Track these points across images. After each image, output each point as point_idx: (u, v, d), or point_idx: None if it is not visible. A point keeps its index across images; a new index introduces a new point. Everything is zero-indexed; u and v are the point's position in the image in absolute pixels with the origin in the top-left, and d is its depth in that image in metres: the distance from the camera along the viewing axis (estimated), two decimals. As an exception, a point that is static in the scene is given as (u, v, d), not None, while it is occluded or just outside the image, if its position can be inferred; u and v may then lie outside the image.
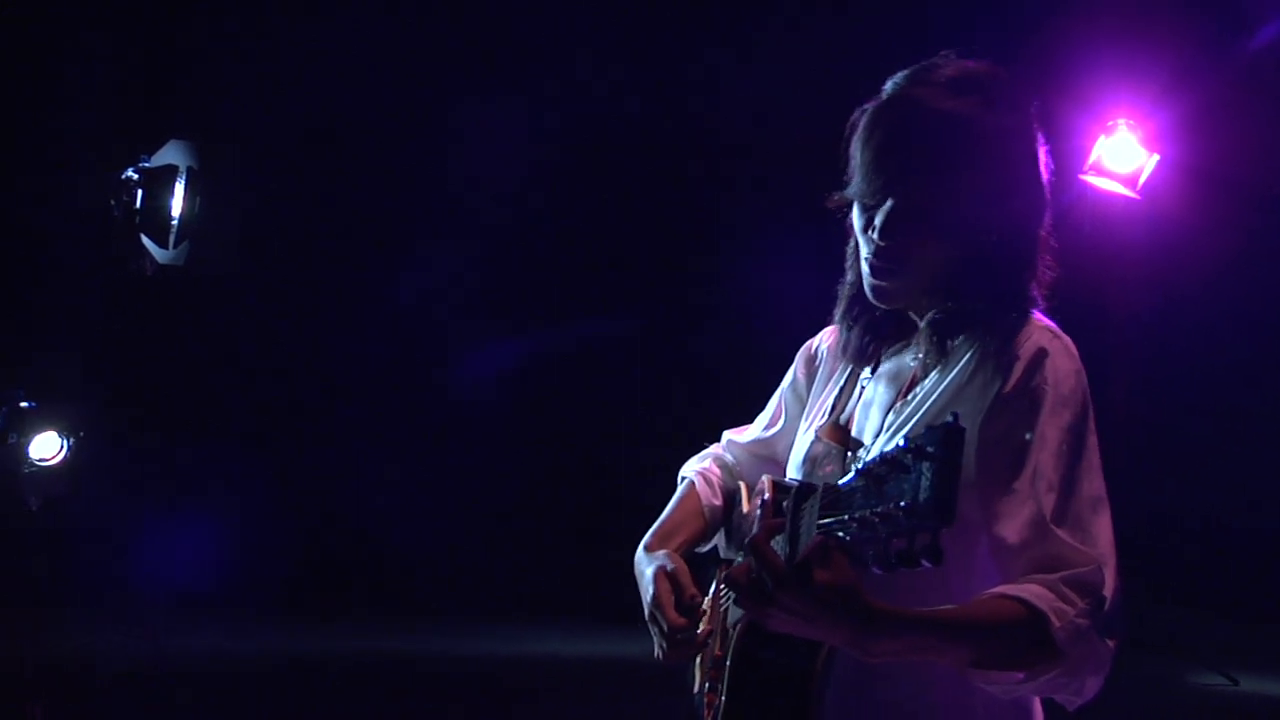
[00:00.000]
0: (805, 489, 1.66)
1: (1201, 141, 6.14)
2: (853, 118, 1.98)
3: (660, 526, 2.31)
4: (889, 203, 1.89)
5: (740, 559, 2.22)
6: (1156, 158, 6.23)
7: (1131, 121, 6.26)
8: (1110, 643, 1.74)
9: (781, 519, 1.71)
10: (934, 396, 1.90)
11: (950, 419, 1.38)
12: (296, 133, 7.91)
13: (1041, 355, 1.84)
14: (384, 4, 7.81)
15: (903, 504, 1.39)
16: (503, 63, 7.86)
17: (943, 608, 1.73)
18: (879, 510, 1.43)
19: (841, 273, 2.11)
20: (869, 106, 1.96)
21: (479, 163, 8.02)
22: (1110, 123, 6.29)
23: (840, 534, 1.52)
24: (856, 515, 1.48)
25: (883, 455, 1.45)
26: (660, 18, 7.76)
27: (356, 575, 8.34)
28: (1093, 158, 6.37)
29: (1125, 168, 6.30)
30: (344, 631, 7.74)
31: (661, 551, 2.24)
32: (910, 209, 1.88)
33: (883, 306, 1.99)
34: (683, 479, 2.42)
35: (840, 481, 1.55)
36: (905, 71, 1.96)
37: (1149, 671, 6.52)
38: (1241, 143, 6.10)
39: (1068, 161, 6.49)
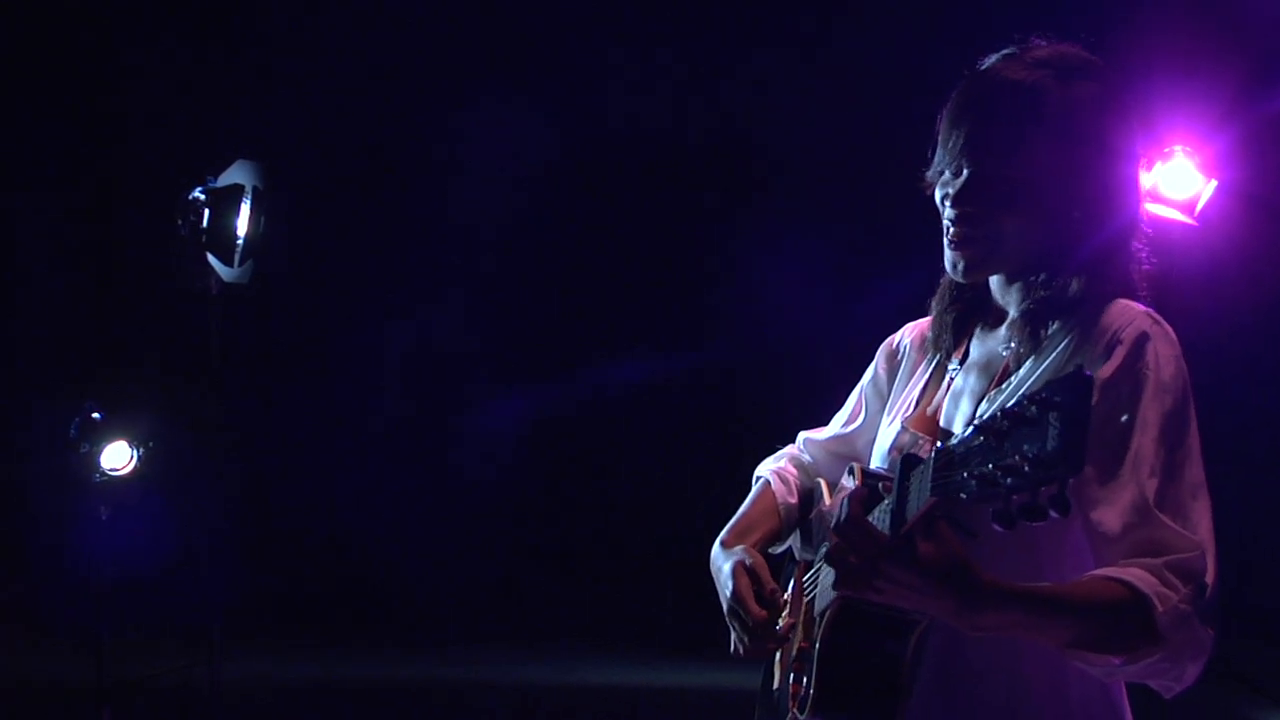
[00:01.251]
0: (911, 459, 1.66)
1: (1261, 166, 6.10)
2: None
3: (736, 524, 2.32)
4: (964, 172, 1.91)
5: (824, 550, 2.23)
6: (1214, 183, 6.19)
7: (1188, 148, 6.23)
8: (1210, 630, 1.73)
9: (879, 496, 1.72)
10: (1029, 382, 1.88)
11: (1074, 368, 1.39)
12: (350, 164, 8.03)
13: (1144, 339, 1.83)
14: (432, 37, 7.90)
15: (1029, 455, 1.38)
16: (527, 89, 7.90)
17: (1046, 584, 1.73)
18: (1003, 464, 1.42)
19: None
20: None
21: (500, 192, 8.09)
22: (1167, 149, 6.26)
23: (961, 494, 1.51)
24: (976, 472, 1.46)
25: (1003, 410, 1.45)
26: (674, 41, 7.78)
27: (383, 602, 8.34)
28: (1148, 185, 6.34)
29: (1182, 194, 6.27)
30: (370, 658, 7.72)
31: (739, 547, 2.24)
32: (983, 178, 1.90)
33: (964, 281, 1.99)
34: (757, 478, 2.42)
35: (954, 442, 1.54)
36: (994, 54, 1.99)
37: (1207, 706, 6.40)
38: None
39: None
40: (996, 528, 1.45)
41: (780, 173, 7.86)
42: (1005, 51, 1.98)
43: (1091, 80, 1.92)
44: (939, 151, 1.95)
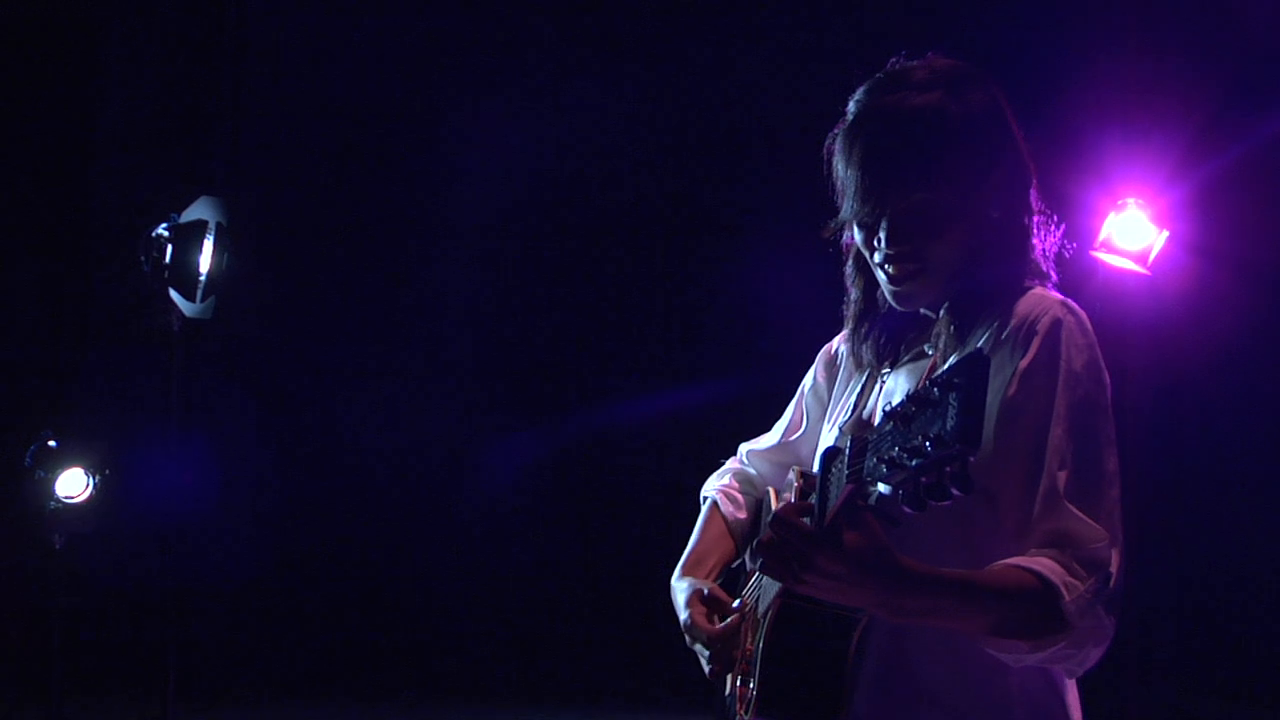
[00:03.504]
0: (832, 451, 1.69)
1: (1212, 218, 6.23)
2: (825, 144, 2.03)
3: (691, 553, 2.34)
4: (888, 212, 1.93)
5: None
6: (1166, 234, 6.31)
7: (1141, 200, 6.35)
8: (1112, 618, 1.78)
9: (809, 503, 1.76)
10: None
11: (975, 350, 1.44)
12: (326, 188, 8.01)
13: (1057, 328, 1.87)
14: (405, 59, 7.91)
15: (931, 435, 1.42)
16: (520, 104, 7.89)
17: (961, 570, 1.77)
18: (909, 446, 1.45)
19: (842, 295, 2.16)
20: (838, 130, 2.01)
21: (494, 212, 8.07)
22: (1120, 201, 6.37)
23: (872, 478, 1.54)
24: (886, 456, 1.50)
25: (909, 395, 1.49)
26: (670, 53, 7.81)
27: (387, 655, 8.19)
28: (1103, 235, 6.44)
29: (1136, 245, 6.37)
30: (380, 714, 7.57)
31: (694, 577, 2.27)
32: (910, 213, 1.92)
33: (907, 310, 2.03)
34: (705, 499, 2.44)
35: (869, 431, 1.58)
36: (863, 86, 2.00)
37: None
38: (1252, 219, 6.20)
39: (1078, 239, 6.59)
40: (907, 509, 1.49)
41: (781, 186, 7.83)
42: (877, 81, 1.99)
43: (978, 87, 1.97)
44: (850, 196, 1.96)
